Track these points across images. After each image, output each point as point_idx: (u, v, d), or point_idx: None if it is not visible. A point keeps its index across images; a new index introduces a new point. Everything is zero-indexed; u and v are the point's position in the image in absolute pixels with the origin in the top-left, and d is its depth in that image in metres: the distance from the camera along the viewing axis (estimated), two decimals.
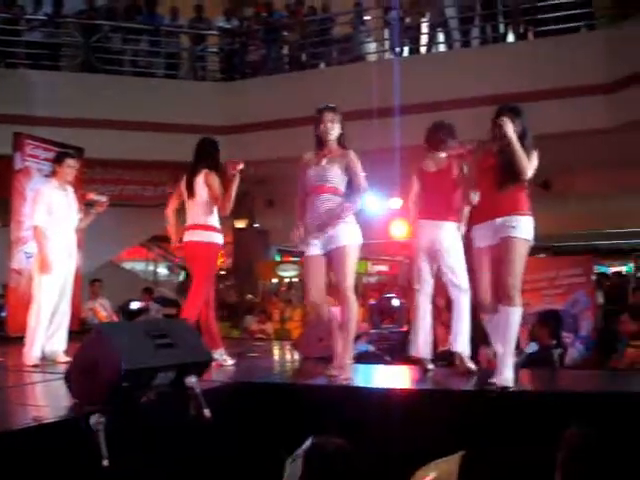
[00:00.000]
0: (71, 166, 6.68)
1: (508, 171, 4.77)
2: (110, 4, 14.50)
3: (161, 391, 4.23)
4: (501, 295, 4.78)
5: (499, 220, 4.79)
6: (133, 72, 13.36)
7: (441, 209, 5.67)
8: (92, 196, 7.07)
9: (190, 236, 6.14)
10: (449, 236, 5.63)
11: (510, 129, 4.75)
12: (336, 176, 5.31)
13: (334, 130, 5.37)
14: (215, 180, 6.02)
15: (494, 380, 4.68)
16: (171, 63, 13.78)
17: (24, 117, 11.26)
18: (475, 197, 5.16)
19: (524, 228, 4.78)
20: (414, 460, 3.52)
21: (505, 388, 4.64)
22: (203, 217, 6.08)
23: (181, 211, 6.39)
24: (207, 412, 3.83)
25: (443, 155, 5.79)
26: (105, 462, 3.20)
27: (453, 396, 4.87)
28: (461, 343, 5.54)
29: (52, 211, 6.47)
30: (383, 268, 21.15)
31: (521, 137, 4.84)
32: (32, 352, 6.27)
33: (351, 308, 5.25)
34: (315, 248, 5.32)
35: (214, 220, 6.16)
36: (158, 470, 4.00)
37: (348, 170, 5.33)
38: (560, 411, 4.28)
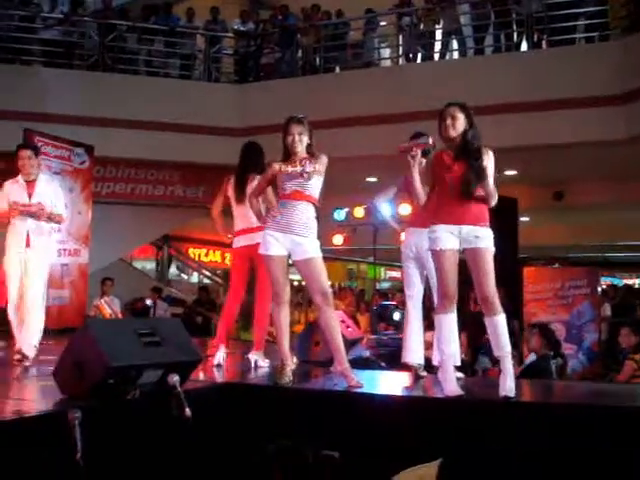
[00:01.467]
0: (21, 157, 6.52)
1: (470, 181, 4.74)
2: (126, 4, 14.59)
3: (147, 389, 4.24)
4: (484, 307, 4.77)
5: (466, 228, 4.76)
6: (147, 72, 13.43)
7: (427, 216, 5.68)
8: None
9: (247, 240, 6.17)
10: None
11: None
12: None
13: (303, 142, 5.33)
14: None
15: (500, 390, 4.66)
16: (186, 64, 13.84)
17: (36, 114, 11.32)
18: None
19: (491, 239, 4.78)
20: (395, 465, 3.52)
21: (508, 398, 4.61)
22: (254, 219, 6.04)
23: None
24: (188, 412, 3.82)
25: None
26: (78, 456, 3.20)
27: (433, 404, 4.87)
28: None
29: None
30: (396, 274, 21.18)
31: (466, 133, 4.82)
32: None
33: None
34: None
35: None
36: (140, 468, 4.01)
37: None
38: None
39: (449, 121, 4.85)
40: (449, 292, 4.84)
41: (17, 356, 6.16)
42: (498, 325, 4.71)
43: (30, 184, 6.47)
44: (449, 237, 4.79)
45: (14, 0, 13.23)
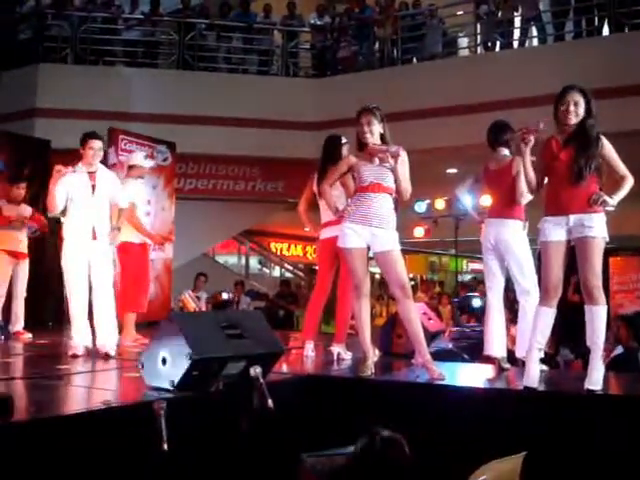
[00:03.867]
0: (93, 148, 6.38)
1: (580, 164, 4.62)
2: (204, 2, 14.78)
3: (230, 381, 4.30)
4: (585, 295, 4.66)
5: (573, 217, 4.64)
6: (227, 69, 13.60)
7: (504, 207, 5.64)
8: None
9: (331, 232, 6.12)
10: (513, 234, 5.57)
11: None
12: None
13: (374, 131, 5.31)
14: (349, 179, 5.90)
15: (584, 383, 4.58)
16: (264, 60, 13.96)
17: (119, 113, 11.62)
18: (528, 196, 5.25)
19: (600, 227, 4.62)
20: (478, 458, 3.49)
21: (591, 391, 4.53)
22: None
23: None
24: (270, 403, 3.86)
25: (504, 153, 5.79)
26: (165, 446, 3.27)
27: (515, 397, 4.82)
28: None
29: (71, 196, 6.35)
30: (478, 266, 20.93)
31: (585, 120, 4.69)
32: (72, 341, 6.27)
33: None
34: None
35: None
36: (222, 459, 4.08)
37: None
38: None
39: (572, 107, 4.68)
40: (549, 285, 4.74)
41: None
42: (595, 316, 4.58)
43: (92, 175, 6.40)
44: (555, 229, 4.70)
45: (97, 2, 13.56)
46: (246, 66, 13.82)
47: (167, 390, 4.16)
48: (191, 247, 12.99)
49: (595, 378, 4.56)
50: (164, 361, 4.22)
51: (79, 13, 13.16)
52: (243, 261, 20.17)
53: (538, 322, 4.79)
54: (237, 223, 15.17)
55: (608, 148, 4.69)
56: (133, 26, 13.50)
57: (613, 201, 4.59)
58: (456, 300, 11.89)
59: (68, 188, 6.29)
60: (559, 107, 4.73)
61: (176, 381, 4.14)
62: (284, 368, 5.57)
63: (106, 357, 6.08)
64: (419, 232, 14.88)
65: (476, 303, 10.46)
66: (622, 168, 4.70)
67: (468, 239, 12.16)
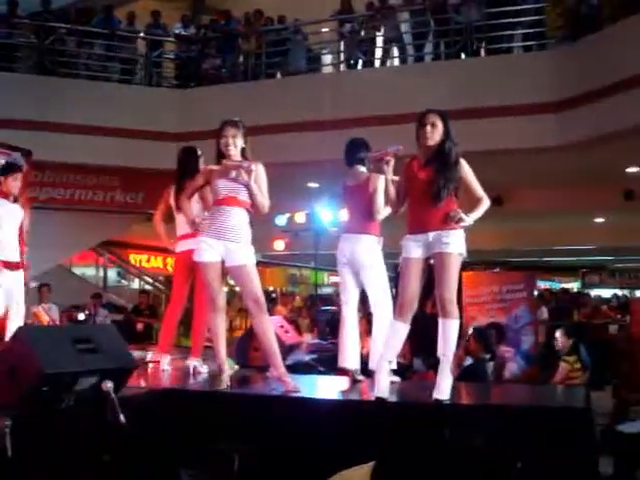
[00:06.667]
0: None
1: (439, 185, 4.78)
2: (66, 7, 14.42)
3: (81, 396, 4.20)
4: (439, 309, 4.81)
5: (432, 234, 4.79)
6: (87, 76, 13.28)
7: (360, 223, 5.78)
8: None
9: (186, 246, 6.12)
10: (368, 249, 5.71)
11: None
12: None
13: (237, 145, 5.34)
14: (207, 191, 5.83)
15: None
16: (126, 68, 13.73)
17: None
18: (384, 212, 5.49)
19: (457, 242, 4.78)
20: (330, 468, 3.53)
21: (439, 401, 4.67)
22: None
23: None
24: (122, 418, 3.80)
25: (361, 170, 5.94)
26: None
27: (366, 407, 4.92)
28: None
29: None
30: (338, 279, 21.23)
31: (444, 142, 4.85)
32: None
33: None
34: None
35: None
36: (73, 475, 3.98)
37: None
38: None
39: (428, 128, 4.81)
40: (405, 300, 4.85)
41: None
42: (447, 328, 4.74)
43: None
44: (415, 246, 4.82)
45: None
46: (108, 74, 13.54)
47: (14, 406, 4.02)
48: (47, 258, 12.56)
49: (443, 388, 4.71)
50: (12, 375, 4.09)
51: None
52: (101, 273, 19.70)
53: (390, 336, 4.92)
54: (95, 234, 14.77)
55: (466, 170, 4.87)
56: None
57: (469, 219, 4.77)
58: (314, 313, 12.03)
59: None
60: (418, 128, 4.88)
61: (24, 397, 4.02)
62: (141, 382, 5.50)
63: None
64: (279, 245, 14.98)
65: (332, 316, 10.62)
66: (479, 190, 4.89)
67: (328, 252, 12.34)
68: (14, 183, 6.87)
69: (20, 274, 6.89)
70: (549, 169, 11.85)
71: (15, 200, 6.96)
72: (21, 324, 6.61)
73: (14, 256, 6.83)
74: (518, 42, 11.70)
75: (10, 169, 7.10)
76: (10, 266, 6.72)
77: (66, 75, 12.90)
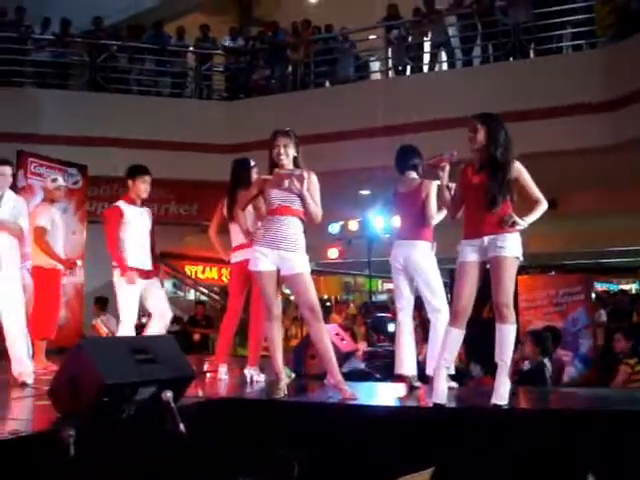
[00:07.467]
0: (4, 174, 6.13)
1: (493, 190, 4.76)
2: (117, 24, 14.67)
3: (142, 406, 4.27)
4: (495, 314, 4.79)
5: (487, 238, 4.77)
6: (139, 91, 13.49)
7: (413, 229, 5.79)
8: None
9: (242, 256, 6.19)
10: (422, 254, 5.71)
11: None
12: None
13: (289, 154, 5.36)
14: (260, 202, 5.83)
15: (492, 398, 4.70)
16: (177, 82, 13.92)
17: (29, 135, 11.40)
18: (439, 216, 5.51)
19: (513, 246, 4.76)
20: (390, 474, 3.54)
21: (498, 406, 4.64)
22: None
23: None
24: (182, 427, 3.84)
25: (412, 176, 5.96)
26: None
27: (425, 413, 4.90)
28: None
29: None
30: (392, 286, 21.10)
31: (489, 146, 4.82)
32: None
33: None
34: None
35: None
36: None
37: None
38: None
39: (471, 134, 4.83)
40: (459, 306, 4.85)
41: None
42: (504, 333, 4.72)
43: None
44: (471, 250, 4.83)
45: (5, 22, 13.30)
46: (159, 88, 13.74)
47: (77, 417, 4.09)
48: (104, 271, 12.73)
49: (501, 393, 4.68)
50: (74, 387, 4.16)
51: None
52: None
53: (446, 342, 4.90)
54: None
55: (522, 172, 4.85)
56: (43, 47, 13.28)
57: (525, 223, 4.74)
58: (369, 320, 12.00)
59: None
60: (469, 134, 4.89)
61: (86, 408, 4.09)
62: (199, 392, 5.55)
63: (23, 385, 5.91)
64: (333, 253, 14.98)
65: (391, 328, 10.60)
66: (536, 192, 4.86)
67: (382, 259, 12.32)
68: (143, 186, 6.71)
69: (155, 281, 6.73)
70: (603, 169, 11.68)
71: (142, 204, 6.79)
72: (163, 329, 6.64)
73: (146, 263, 6.62)
74: (567, 42, 11.59)
75: (139, 171, 6.86)
76: (143, 274, 6.54)
77: (118, 91, 13.13)
